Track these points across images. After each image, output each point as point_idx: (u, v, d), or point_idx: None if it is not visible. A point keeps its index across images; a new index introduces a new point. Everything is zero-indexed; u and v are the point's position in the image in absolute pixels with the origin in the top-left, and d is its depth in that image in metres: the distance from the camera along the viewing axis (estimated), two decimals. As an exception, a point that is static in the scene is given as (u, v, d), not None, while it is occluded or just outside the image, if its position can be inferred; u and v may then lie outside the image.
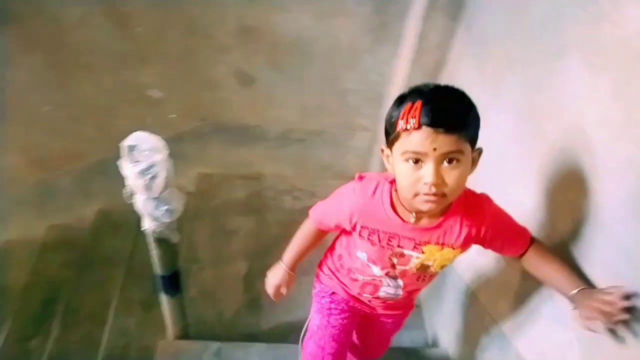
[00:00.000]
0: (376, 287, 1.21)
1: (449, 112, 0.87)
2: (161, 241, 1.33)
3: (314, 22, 1.95)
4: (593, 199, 1.04)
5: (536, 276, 1.12)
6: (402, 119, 0.88)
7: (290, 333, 1.89)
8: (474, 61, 1.66)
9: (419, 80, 1.95)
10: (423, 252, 1.07)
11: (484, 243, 1.08)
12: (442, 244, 1.05)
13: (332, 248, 1.32)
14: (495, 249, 1.11)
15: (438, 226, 1.03)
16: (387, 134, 0.96)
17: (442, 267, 1.12)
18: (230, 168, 2.50)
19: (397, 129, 0.89)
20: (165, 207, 1.19)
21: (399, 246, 1.07)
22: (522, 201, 1.29)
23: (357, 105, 2.25)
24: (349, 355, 1.49)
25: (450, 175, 0.89)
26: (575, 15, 1.11)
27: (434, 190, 0.89)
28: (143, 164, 1.09)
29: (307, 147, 2.42)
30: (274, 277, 1.31)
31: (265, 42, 2.01)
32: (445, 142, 0.86)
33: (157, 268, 1.44)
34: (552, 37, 1.19)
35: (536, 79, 1.26)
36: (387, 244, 1.07)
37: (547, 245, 1.12)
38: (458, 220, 1.02)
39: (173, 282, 1.50)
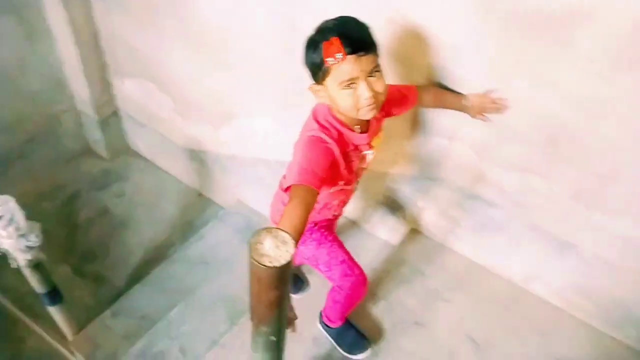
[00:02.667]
0: (347, 197, 1.44)
1: (362, 37, 1.09)
2: (36, 265, 1.68)
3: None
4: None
5: (433, 108, 1.50)
6: (329, 56, 1.07)
7: (146, 265, 2.41)
8: (124, 19, 2.21)
9: (91, 54, 2.41)
10: (372, 147, 1.32)
11: (390, 114, 1.36)
12: (378, 132, 1.33)
13: None
14: (400, 112, 1.39)
15: (374, 121, 1.26)
16: (314, 73, 1.14)
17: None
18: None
19: (327, 65, 1.08)
20: (33, 235, 1.56)
21: (361, 153, 1.30)
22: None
23: (49, 97, 2.56)
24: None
25: (378, 84, 1.12)
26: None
27: (372, 100, 1.12)
28: (6, 216, 1.44)
29: (30, 157, 2.64)
30: None
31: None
32: (368, 62, 1.09)
33: (40, 289, 1.78)
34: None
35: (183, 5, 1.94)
36: (355, 155, 1.29)
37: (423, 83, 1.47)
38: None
39: (56, 293, 1.86)
